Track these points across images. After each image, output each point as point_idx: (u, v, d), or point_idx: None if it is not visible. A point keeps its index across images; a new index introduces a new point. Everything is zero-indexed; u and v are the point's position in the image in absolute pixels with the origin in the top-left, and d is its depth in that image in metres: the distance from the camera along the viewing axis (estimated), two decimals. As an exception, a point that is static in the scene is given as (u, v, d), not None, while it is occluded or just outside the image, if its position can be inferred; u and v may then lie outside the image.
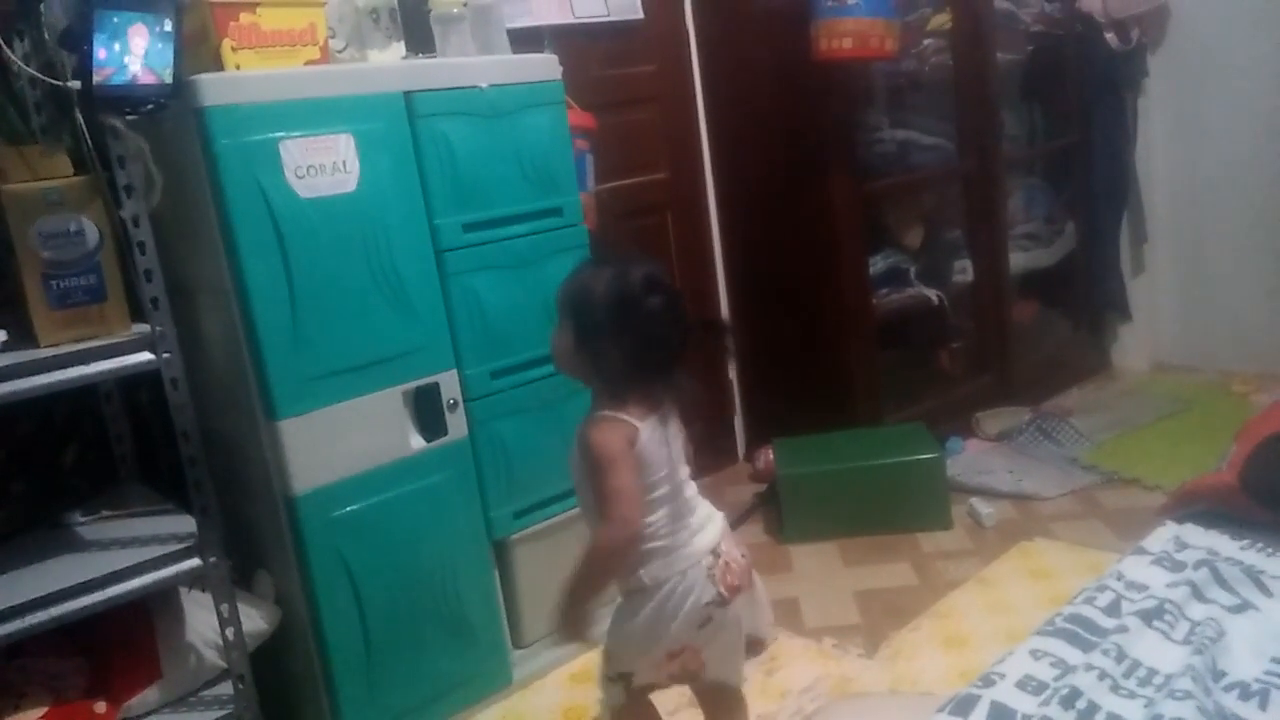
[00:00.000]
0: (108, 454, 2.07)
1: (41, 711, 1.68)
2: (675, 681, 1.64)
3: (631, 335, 1.49)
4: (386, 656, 1.98)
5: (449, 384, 2.04)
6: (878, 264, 3.20)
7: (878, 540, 2.71)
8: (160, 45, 1.57)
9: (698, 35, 3.18)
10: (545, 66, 2.21)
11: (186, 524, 1.79)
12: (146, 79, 1.57)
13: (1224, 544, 1.99)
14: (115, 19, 1.50)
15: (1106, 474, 2.96)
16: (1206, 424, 3.19)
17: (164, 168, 1.70)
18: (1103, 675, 1.56)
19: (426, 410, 2.01)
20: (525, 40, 2.51)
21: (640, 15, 2.99)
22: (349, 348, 1.89)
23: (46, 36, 1.82)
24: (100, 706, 1.74)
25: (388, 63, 2.10)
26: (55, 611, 1.60)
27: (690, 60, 3.19)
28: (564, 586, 1.53)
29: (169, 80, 1.60)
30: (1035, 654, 1.66)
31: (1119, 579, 1.92)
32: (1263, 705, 1.46)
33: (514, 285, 2.13)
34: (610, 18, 2.90)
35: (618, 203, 2.90)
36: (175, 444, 1.74)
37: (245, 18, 1.83)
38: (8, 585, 1.65)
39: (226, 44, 1.81)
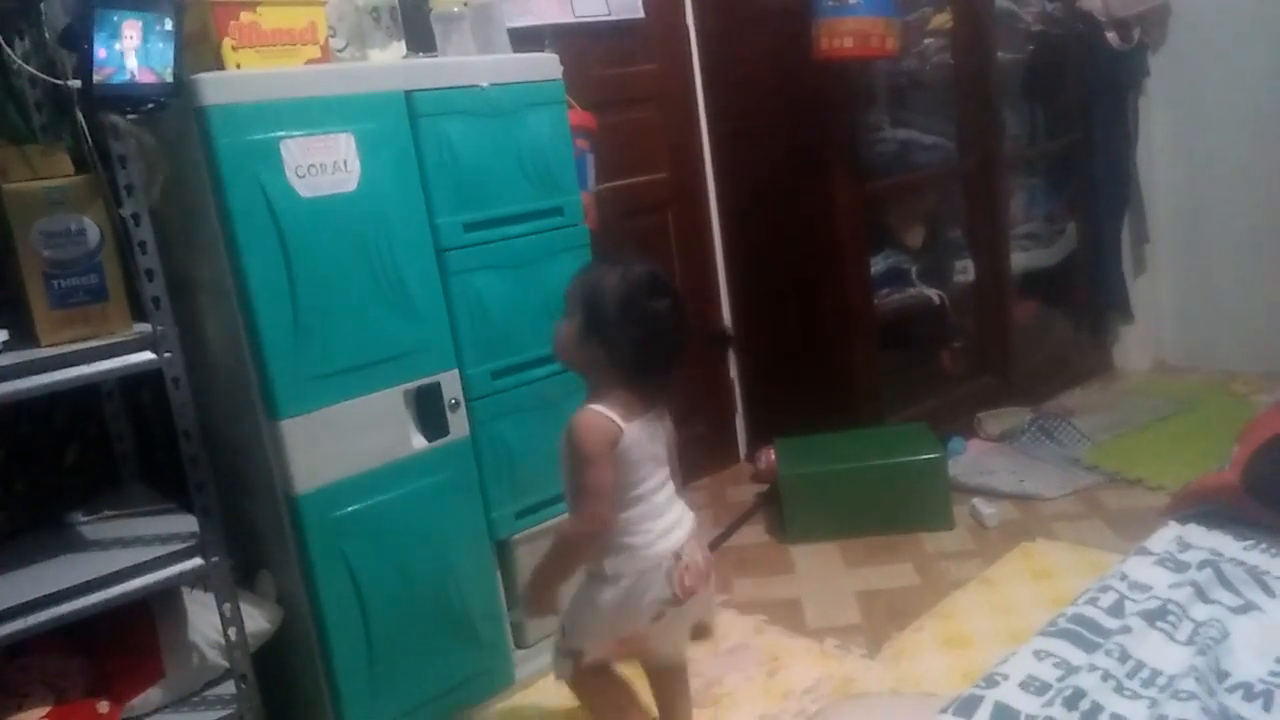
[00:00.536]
0: (109, 454, 2.06)
1: (44, 711, 1.68)
2: (621, 660, 1.77)
3: (636, 333, 1.57)
4: (389, 656, 1.98)
5: (450, 383, 2.04)
6: (879, 264, 3.20)
7: (880, 540, 2.71)
8: (161, 44, 1.57)
9: (698, 34, 3.18)
10: (546, 66, 2.21)
11: (188, 524, 1.79)
12: (147, 78, 1.56)
13: (1227, 544, 1.98)
14: (115, 18, 1.50)
15: (1108, 474, 2.95)
16: (1208, 424, 3.18)
17: (165, 166, 1.70)
18: (1106, 676, 1.56)
19: (428, 410, 2.01)
20: (526, 39, 2.51)
21: (641, 14, 2.99)
22: (350, 347, 1.89)
23: (47, 35, 1.82)
24: (103, 706, 1.74)
25: (388, 62, 2.09)
26: (57, 611, 1.60)
27: (691, 59, 3.19)
28: (535, 568, 1.70)
29: (169, 79, 1.59)
30: (1038, 654, 1.66)
31: (1122, 579, 1.92)
32: (1266, 706, 1.46)
33: (515, 284, 2.13)
34: (611, 17, 2.90)
35: (619, 202, 2.90)
36: (177, 444, 1.73)
37: (246, 17, 1.83)
38: (10, 585, 1.65)
39: (227, 43, 1.81)
